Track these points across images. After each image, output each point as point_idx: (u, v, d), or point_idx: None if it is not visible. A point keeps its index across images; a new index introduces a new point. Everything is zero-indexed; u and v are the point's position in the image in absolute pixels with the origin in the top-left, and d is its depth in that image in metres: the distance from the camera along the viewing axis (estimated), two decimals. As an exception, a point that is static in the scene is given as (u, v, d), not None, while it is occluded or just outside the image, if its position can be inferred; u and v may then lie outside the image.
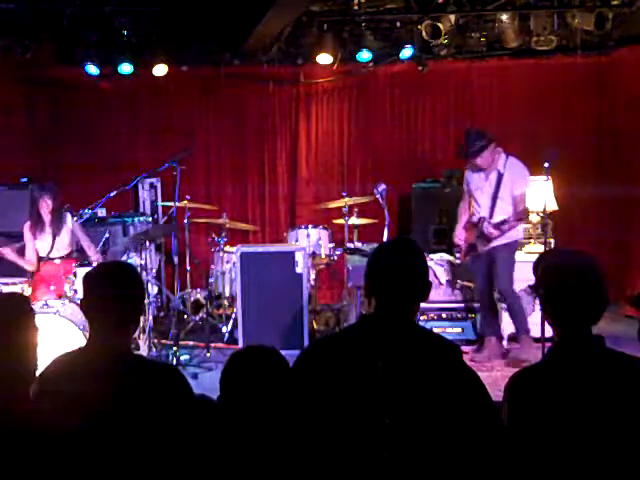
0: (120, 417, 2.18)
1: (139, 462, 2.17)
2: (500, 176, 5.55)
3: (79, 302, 2.39)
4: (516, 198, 5.52)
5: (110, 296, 2.32)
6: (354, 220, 6.94)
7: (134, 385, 2.24)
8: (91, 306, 2.35)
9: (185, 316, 6.90)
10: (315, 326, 6.65)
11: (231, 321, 6.57)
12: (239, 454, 2.11)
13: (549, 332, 2.47)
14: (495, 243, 5.60)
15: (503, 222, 5.46)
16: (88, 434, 2.14)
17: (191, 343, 6.41)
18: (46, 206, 5.73)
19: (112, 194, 6.31)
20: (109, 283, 2.36)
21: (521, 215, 5.51)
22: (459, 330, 6.13)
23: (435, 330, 5.37)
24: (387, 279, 2.25)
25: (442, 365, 2.20)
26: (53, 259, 5.79)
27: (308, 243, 6.71)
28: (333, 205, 7.17)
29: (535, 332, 5.79)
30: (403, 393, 2.12)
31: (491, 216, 5.59)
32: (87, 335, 2.45)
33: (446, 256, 6.46)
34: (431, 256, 6.39)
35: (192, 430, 2.25)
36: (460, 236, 5.79)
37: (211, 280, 6.93)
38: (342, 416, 2.14)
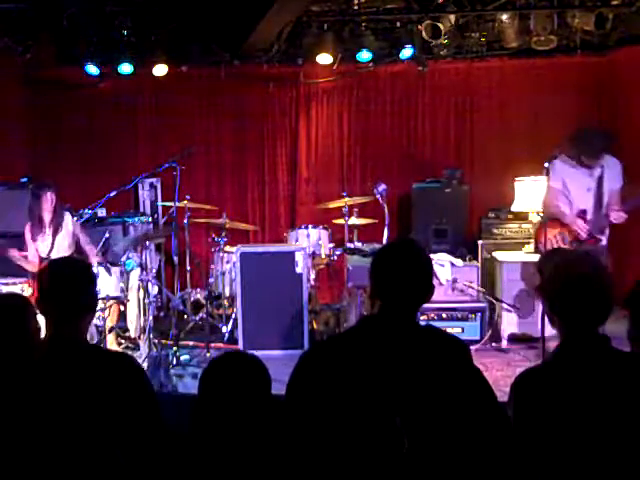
0: (74, 405, 2.23)
1: (94, 449, 2.20)
2: (602, 172, 5.44)
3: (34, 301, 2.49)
4: (618, 191, 5.45)
5: (58, 291, 2.43)
6: (354, 220, 6.94)
7: (87, 373, 2.30)
8: (43, 301, 2.44)
9: (185, 316, 6.90)
10: (315, 326, 6.64)
11: (231, 321, 6.57)
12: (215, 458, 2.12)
13: (550, 332, 2.47)
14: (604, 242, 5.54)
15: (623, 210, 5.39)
16: (43, 421, 2.18)
17: (191, 343, 6.40)
18: (50, 201, 5.73)
19: (112, 194, 6.31)
20: (57, 279, 2.46)
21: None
22: (459, 330, 6.14)
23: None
24: (394, 280, 2.26)
25: (447, 363, 2.19)
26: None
27: (308, 243, 6.71)
28: (333, 205, 7.17)
29: (535, 332, 5.81)
30: (412, 393, 2.11)
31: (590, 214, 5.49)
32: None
33: (446, 256, 6.46)
34: (431, 256, 6.39)
35: (148, 418, 2.29)
36: (582, 226, 5.48)
37: (211, 280, 6.92)
38: (349, 417, 2.13)
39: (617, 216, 5.38)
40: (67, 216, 5.94)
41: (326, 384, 2.18)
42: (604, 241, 5.54)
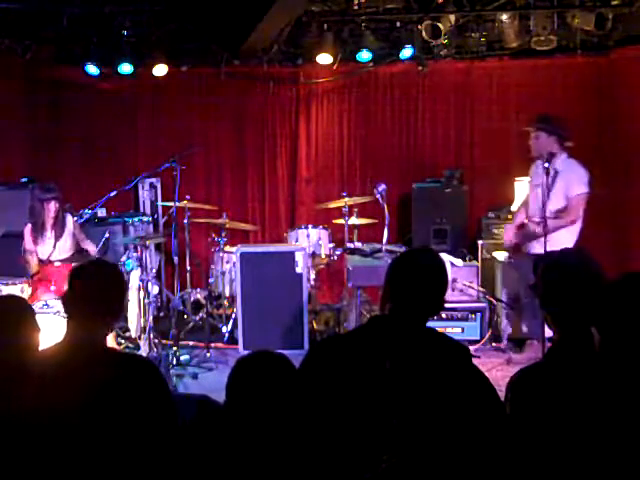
0: (93, 410, 2.21)
1: (114, 452, 2.19)
2: (556, 173, 5.41)
3: (61, 299, 2.47)
4: (571, 200, 5.38)
5: (86, 293, 2.42)
6: (354, 220, 6.94)
7: (106, 377, 2.28)
8: (69, 302, 2.44)
9: (185, 316, 6.90)
10: (315, 326, 6.65)
11: (231, 321, 6.58)
12: (243, 457, 2.10)
13: (549, 333, 2.48)
14: (539, 250, 5.39)
15: (545, 221, 5.25)
16: (65, 426, 2.17)
17: (191, 343, 6.41)
18: (52, 210, 5.73)
19: (112, 194, 6.31)
20: (86, 281, 2.46)
21: (571, 218, 5.36)
22: (459, 330, 6.14)
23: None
24: (408, 286, 2.29)
25: (450, 366, 2.20)
26: (53, 262, 5.79)
27: (308, 243, 6.72)
28: (333, 205, 7.18)
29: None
30: (411, 394, 2.12)
31: (542, 214, 5.39)
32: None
33: (446, 256, 6.46)
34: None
35: (168, 422, 2.28)
36: (507, 235, 5.72)
37: (211, 280, 6.93)
38: (348, 415, 2.14)
39: (532, 229, 5.46)
40: (68, 217, 5.94)
41: (330, 381, 2.20)
42: (534, 249, 5.45)
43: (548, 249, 5.14)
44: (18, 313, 2.44)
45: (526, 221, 5.62)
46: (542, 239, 5.18)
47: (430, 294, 2.33)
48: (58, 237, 5.82)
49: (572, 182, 5.37)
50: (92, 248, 6.00)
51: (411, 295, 2.30)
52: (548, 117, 5.59)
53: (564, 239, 5.27)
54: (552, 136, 5.44)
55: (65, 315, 2.46)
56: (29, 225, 5.81)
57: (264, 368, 2.18)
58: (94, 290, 2.41)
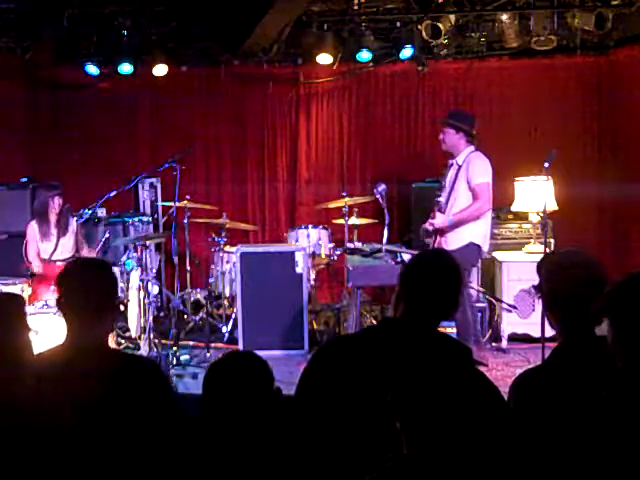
0: (100, 410, 2.21)
1: (120, 452, 2.18)
2: (458, 169, 5.49)
3: (55, 301, 2.44)
4: (474, 189, 5.41)
5: (82, 294, 2.39)
6: (354, 220, 6.94)
7: (113, 378, 2.27)
8: (65, 305, 2.42)
9: (185, 316, 6.90)
10: (315, 326, 6.64)
11: (231, 321, 6.57)
12: (237, 457, 2.10)
13: (549, 332, 2.47)
14: (447, 247, 5.41)
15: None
16: (71, 427, 2.16)
17: (191, 343, 6.42)
18: (57, 205, 5.74)
19: (112, 194, 6.31)
20: (80, 281, 2.44)
21: (476, 207, 5.39)
22: (459, 330, 6.13)
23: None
24: (423, 289, 2.28)
25: (454, 368, 2.19)
26: (55, 261, 5.79)
27: (308, 243, 6.72)
28: (333, 205, 7.18)
29: (535, 332, 5.81)
30: (416, 396, 2.11)
31: (443, 212, 5.54)
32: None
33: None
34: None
35: (171, 422, 2.27)
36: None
37: (211, 280, 6.93)
38: (352, 416, 2.13)
39: (428, 223, 5.56)
40: (72, 219, 5.95)
41: (336, 381, 2.19)
42: (446, 246, 5.42)
43: (455, 245, 5.37)
44: (16, 312, 2.43)
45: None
46: (449, 235, 5.40)
47: (445, 296, 2.30)
48: (61, 236, 5.83)
49: (473, 173, 5.41)
50: (85, 252, 5.99)
51: (425, 298, 2.27)
52: (458, 113, 5.72)
53: (472, 232, 5.42)
54: (459, 133, 5.50)
55: (62, 318, 2.45)
56: (32, 224, 5.81)
57: (234, 368, 2.17)
58: (86, 290, 2.39)
